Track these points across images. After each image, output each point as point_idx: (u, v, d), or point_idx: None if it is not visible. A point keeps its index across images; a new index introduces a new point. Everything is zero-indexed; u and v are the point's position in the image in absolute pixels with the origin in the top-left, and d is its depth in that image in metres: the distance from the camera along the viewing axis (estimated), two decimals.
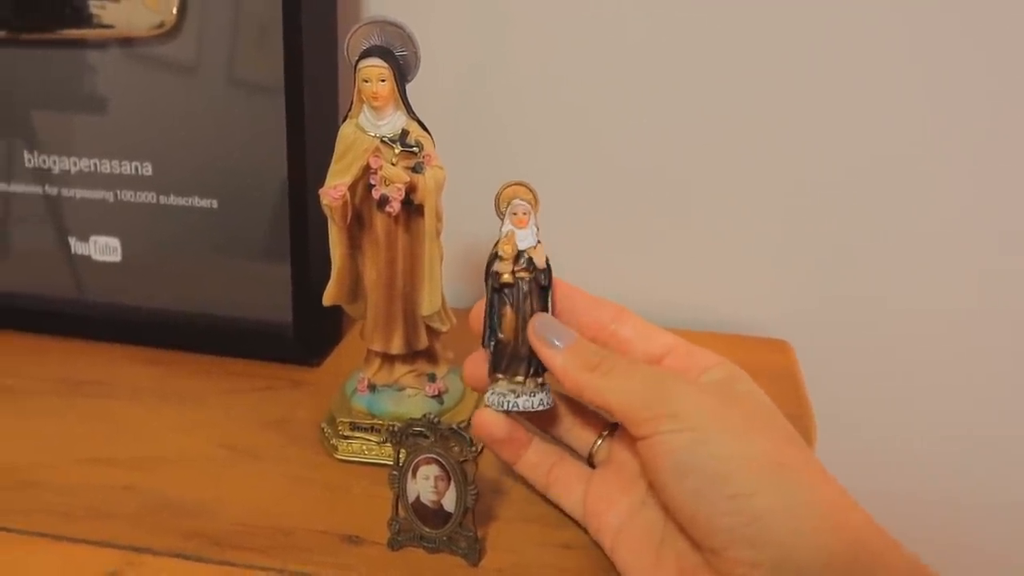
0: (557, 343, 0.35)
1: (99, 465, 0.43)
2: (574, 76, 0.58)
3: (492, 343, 0.37)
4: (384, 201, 0.39)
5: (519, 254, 0.36)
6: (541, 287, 0.37)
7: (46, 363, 0.54)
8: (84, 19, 0.52)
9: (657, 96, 0.57)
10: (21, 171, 0.56)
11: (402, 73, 0.38)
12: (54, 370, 0.53)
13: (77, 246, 0.56)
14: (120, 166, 0.54)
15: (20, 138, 0.55)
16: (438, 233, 0.40)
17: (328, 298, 0.42)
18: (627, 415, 0.33)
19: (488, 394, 0.37)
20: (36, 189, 0.56)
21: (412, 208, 0.40)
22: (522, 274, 0.36)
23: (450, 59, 0.58)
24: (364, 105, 0.38)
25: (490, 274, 0.37)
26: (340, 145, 0.39)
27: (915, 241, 0.57)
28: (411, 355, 0.43)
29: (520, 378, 0.37)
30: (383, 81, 0.37)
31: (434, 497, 0.36)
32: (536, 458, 0.39)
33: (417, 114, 0.39)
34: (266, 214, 0.52)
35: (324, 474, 0.42)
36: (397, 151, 0.38)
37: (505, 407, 0.36)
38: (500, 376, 0.37)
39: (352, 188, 0.39)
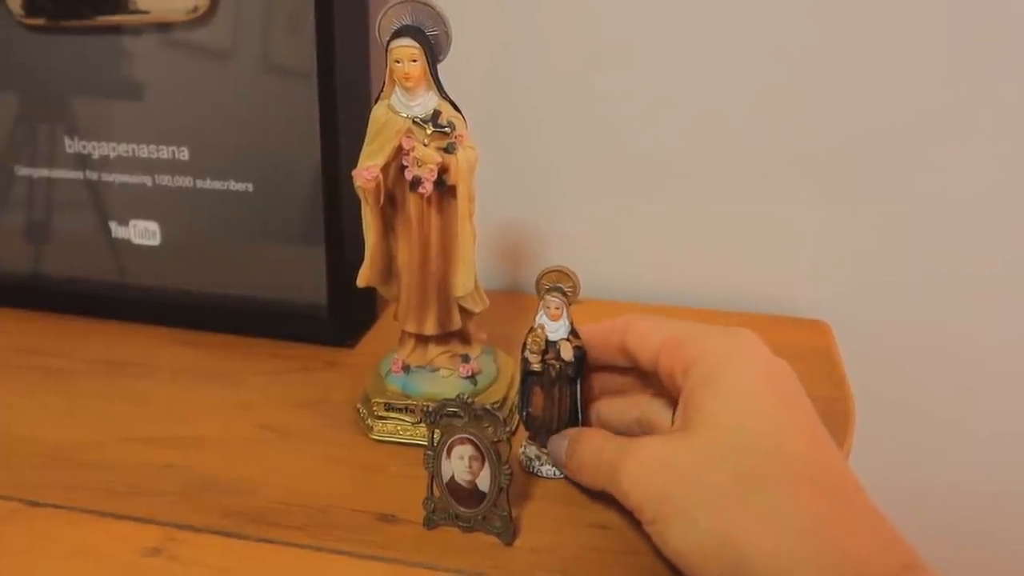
0: (560, 462, 0.39)
1: (141, 444, 0.43)
2: (606, 54, 0.57)
3: (524, 413, 0.41)
4: (417, 182, 0.39)
5: (548, 345, 0.39)
6: (569, 378, 0.39)
7: (89, 345, 0.55)
8: (120, 5, 0.52)
9: (695, 73, 0.56)
10: (62, 156, 0.57)
11: (434, 53, 0.38)
12: (96, 351, 0.54)
13: (117, 230, 0.57)
14: (158, 151, 0.54)
15: (60, 124, 0.56)
16: (471, 214, 0.40)
17: (362, 280, 0.42)
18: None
19: (520, 451, 0.41)
20: (77, 174, 0.57)
21: (444, 189, 0.39)
22: (552, 362, 0.39)
23: (482, 38, 0.58)
24: (396, 86, 0.38)
25: (522, 358, 0.40)
26: (372, 126, 0.39)
27: (957, 218, 0.56)
28: (445, 336, 0.43)
29: (547, 449, 0.40)
30: (414, 61, 0.37)
31: (468, 477, 0.36)
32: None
33: (449, 94, 0.39)
34: (301, 197, 0.53)
35: (359, 454, 0.42)
36: (429, 132, 0.38)
37: (531, 470, 0.41)
38: (531, 441, 0.41)
39: (385, 169, 0.39)
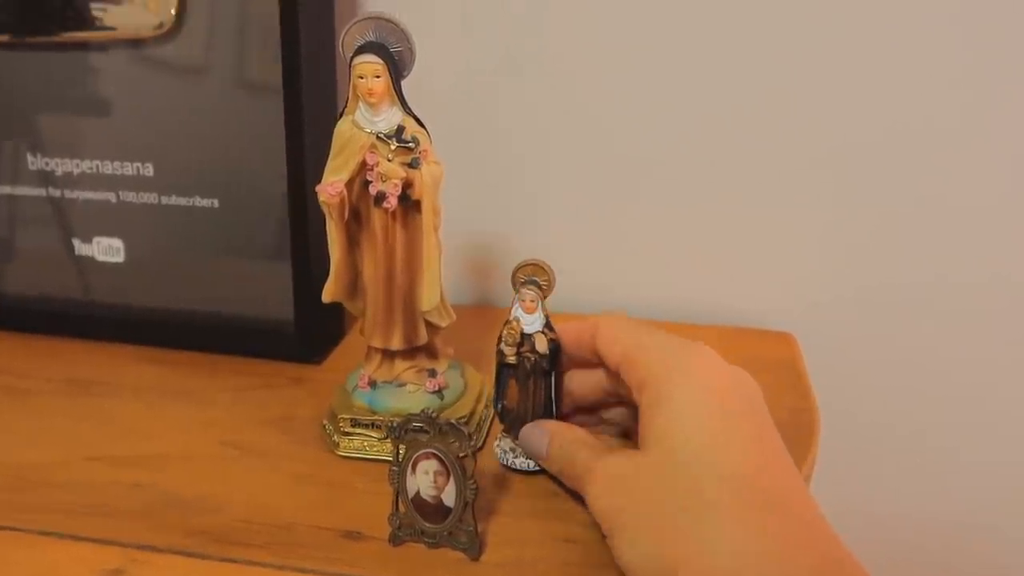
0: (540, 455, 0.40)
1: (104, 463, 0.43)
2: (573, 66, 0.57)
3: (499, 406, 0.42)
4: (381, 197, 0.39)
5: (523, 337, 0.40)
6: (544, 370, 0.40)
7: (51, 364, 0.54)
8: (86, 22, 0.52)
9: (658, 85, 0.57)
10: (25, 173, 0.56)
11: (397, 69, 0.38)
12: (59, 370, 0.53)
13: (81, 247, 0.56)
14: (122, 167, 0.54)
15: (23, 140, 0.56)
16: (436, 228, 0.40)
17: (327, 295, 0.42)
18: None
19: (495, 445, 0.42)
20: (40, 191, 0.56)
21: (409, 204, 0.40)
22: (527, 355, 0.40)
23: (446, 54, 0.58)
24: (360, 101, 0.39)
25: (498, 350, 0.40)
26: (336, 142, 0.39)
27: (925, 230, 0.57)
28: (411, 351, 0.43)
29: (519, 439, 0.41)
30: (378, 77, 0.38)
31: (434, 492, 0.36)
32: None
33: (413, 110, 0.39)
34: (267, 213, 0.52)
35: (325, 471, 0.42)
36: (393, 147, 0.38)
37: (506, 463, 0.41)
38: (506, 434, 0.42)
39: (349, 185, 0.39)
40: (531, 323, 0.40)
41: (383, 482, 0.37)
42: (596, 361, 0.39)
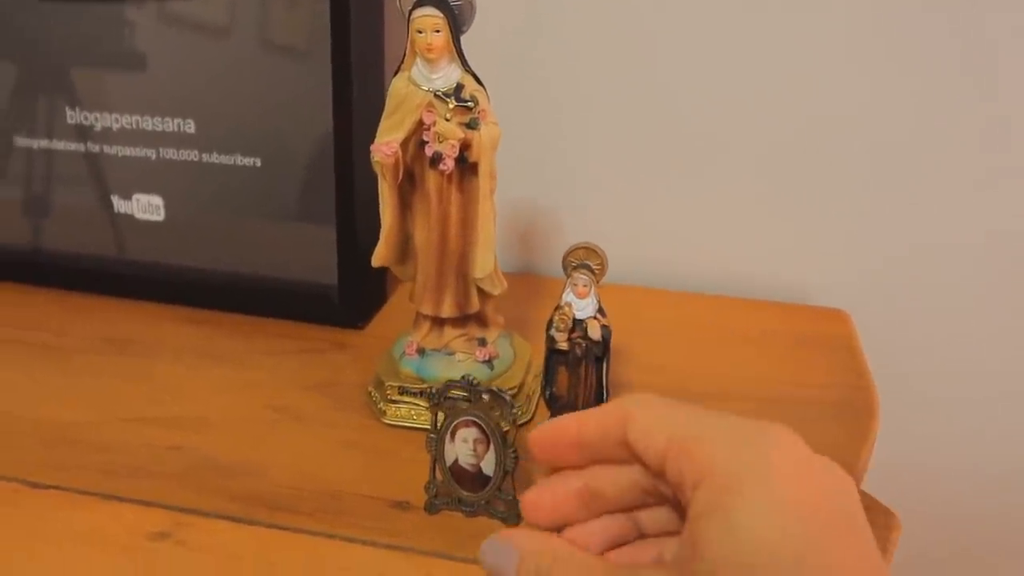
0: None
1: (144, 424, 0.42)
2: (633, 34, 0.56)
3: (548, 393, 0.40)
4: (437, 158, 0.37)
5: (575, 323, 0.38)
6: (596, 357, 0.38)
7: (89, 321, 0.53)
8: None
9: (712, 61, 0.55)
10: (63, 128, 0.55)
11: (457, 23, 0.36)
12: (97, 328, 0.52)
13: (120, 204, 0.55)
14: (163, 123, 0.53)
15: (61, 95, 0.55)
16: (492, 192, 0.39)
17: (377, 259, 0.41)
18: None
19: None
20: (78, 146, 0.55)
21: (466, 166, 0.38)
22: (579, 341, 0.38)
23: (504, 9, 0.56)
24: (417, 57, 0.37)
25: (548, 336, 0.39)
26: (391, 100, 0.38)
27: (983, 204, 0.55)
28: (461, 319, 0.42)
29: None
30: (437, 32, 0.36)
31: (473, 460, 0.35)
32: None
33: (472, 67, 0.37)
34: (310, 173, 0.51)
35: (372, 438, 0.41)
36: (451, 106, 0.37)
37: None
38: None
39: (404, 145, 0.38)
40: (583, 308, 0.38)
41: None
42: (625, 458, 0.28)
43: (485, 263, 0.39)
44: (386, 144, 0.37)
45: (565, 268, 0.38)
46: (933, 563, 0.63)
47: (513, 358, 0.44)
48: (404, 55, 0.37)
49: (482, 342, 0.43)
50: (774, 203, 0.58)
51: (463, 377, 0.34)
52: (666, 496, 0.28)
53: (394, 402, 0.42)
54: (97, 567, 0.33)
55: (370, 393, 0.43)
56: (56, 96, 0.55)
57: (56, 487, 0.37)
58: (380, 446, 0.41)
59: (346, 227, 0.50)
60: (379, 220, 0.40)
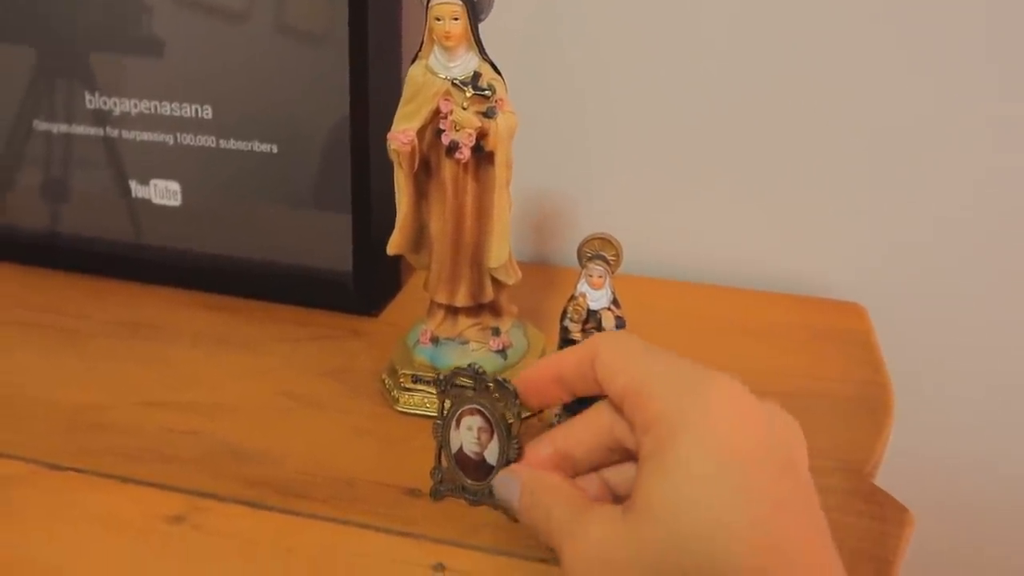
0: (513, 507, 0.32)
1: (161, 409, 0.43)
2: (653, 19, 0.55)
3: None
4: (454, 147, 0.37)
5: (589, 314, 0.38)
6: None
7: (106, 305, 0.54)
8: None
9: (730, 51, 0.55)
10: (81, 112, 0.55)
11: (475, 11, 0.36)
12: (114, 312, 0.53)
13: (138, 189, 0.56)
14: (180, 108, 0.53)
15: (80, 79, 0.55)
16: (508, 182, 0.39)
17: (392, 247, 0.41)
18: None
19: (554, 415, 0.40)
20: (96, 131, 0.55)
21: (482, 155, 0.38)
22: (592, 331, 0.38)
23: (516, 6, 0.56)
24: (435, 45, 0.37)
25: (562, 327, 0.39)
26: (409, 87, 0.38)
27: (996, 199, 0.54)
28: (475, 308, 0.42)
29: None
30: (456, 19, 0.36)
31: (477, 449, 0.34)
32: None
33: (489, 55, 0.37)
34: (326, 161, 0.51)
35: (385, 426, 0.41)
36: (468, 94, 0.37)
37: None
38: (566, 411, 0.39)
39: (420, 133, 0.38)
40: (598, 299, 0.38)
41: None
42: (601, 392, 0.31)
43: (500, 253, 0.39)
44: (403, 132, 0.37)
45: (580, 258, 0.38)
46: (947, 560, 0.63)
47: (527, 348, 0.44)
48: (422, 43, 0.37)
49: (496, 331, 0.43)
50: (791, 195, 0.57)
51: (470, 365, 0.34)
52: (630, 452, 0.30)
53: (407, 390, 0.42)
54: (114, 549, 0.33)
55: (384, 381, 0.44)
56: (75, 81, 0.55)
57: (74, 469, 0.37)
58: (393, 434, 0.41)
59: (361, 215, 0.50)
60: (394, 208, 0.40)
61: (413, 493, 0.37)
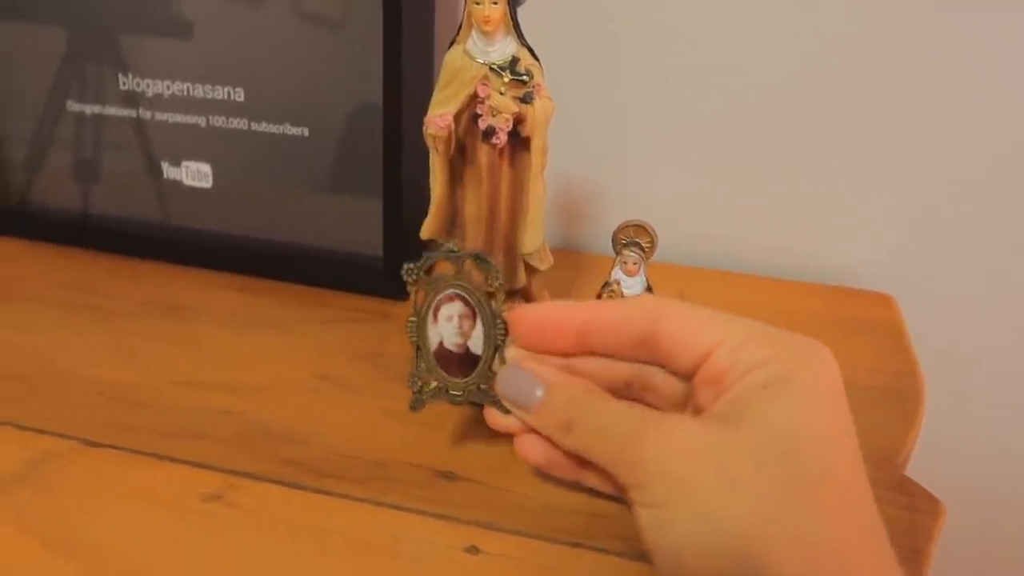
0: (527, 404, 0.31)
1: (195, 388, 0.43)
2: (687, 8, 0.55)
3: None
4: (490, 132, 0.37)
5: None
6: None
7: (138, 286, 0.54)
8: None
9: (760, 39, 0.55)
10: (114, 93, 0.56)
11: None
12: (146, 293, 0.53)
13: (169, 171, 0.56)
14: (212, 91, 0.53)
15: (112, 61, 0.55)
16: (543, 168, 0.39)
17: (426, 231, 0.41)
18: (611, 479, 0.30)
19: None
20: (129, 112, 0.56)
21: (518, 141, 0.38)
22: None
23: None
24: (473, 30, 0.37)
25: None
26: (446, 72, 0.38)
27: None
28: (508, 293, 0.42)
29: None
30: (495, 3, 0.36)
31: (459, 340, 0.33)
32: None
33: (527, 40, 0.37)
34: (357, 145, 0.51)
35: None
36: (506, 80, 0.37)
37: None
38: None
39: (457, 118, 0.38)
40: (632, 286, 0.38)
41: (474, 423, 0.37)
42: (627, 354, 0.32)
43: (534, 239, 0.40)
44: (440, 116, 0.37)
45: (615, 245, 0.38)
46: (979, 552, 0.63)
47: None
48: (460, 27, 0.37)
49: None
50: (822, 185, 0.57)
51: (444, 245, 0.33)
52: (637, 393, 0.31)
53: None
54: (150, 525, 0.34)
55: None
56: (107, 63, 0.55)
57: (112, 446, 0.38)
58: (423, 417, 0.41)
59: (392, 199, 0.50)
60: (425, 192, 0.40)
61: (446, 476, 0.37)
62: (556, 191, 0.60)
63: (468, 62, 0.37)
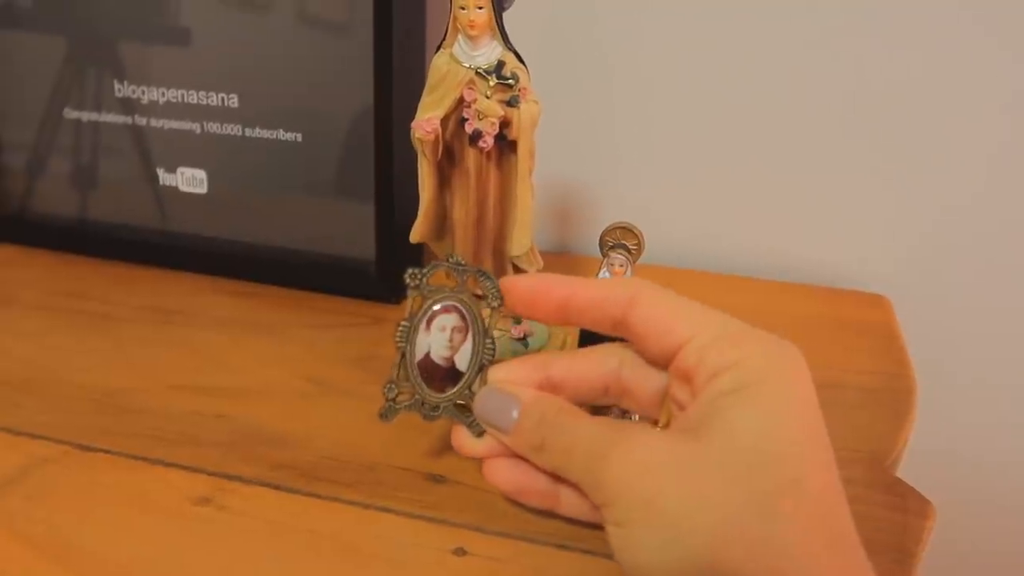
0: (504, 425, 0.32)
1: (189, 393, 0.43)
2: (676, 8, 0.55)
3: None
4: (477, 136, 0.37)
5: None
6: None
7: (133, 291, 0.55)
8: None
9: (754, 40, 0.55)
10: (110, 100, 0.56)
11: (500, 1, 0.36)
12: (141, 298, 0.54)
13: (165, 177, 0.56)
14: (207, 97, 0.53)
15: (109, 68, 0.56)
16: (530, 171, 0.39)
17: (415, 235, 0.41)
18: (588, 500, 0.30)
19: None
20: (125, 119, 0.56)
21: (505, 144, 0.38)
22: None
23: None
24: (459, 34, 0.37)
25: None
26: (432, 76, 0.38)
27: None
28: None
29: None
30: (480, 8, 0.36)
31: (447, 353, 0.32)
32: None
33: (513, 45, 0.37)
34: (350, 150, 0.51)
35: (407, 412, 0.42)
36: (492, 83, 0.37)
37: None
38: None
39: (444, 122, 0.38)
40: None
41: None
42: (606, 329, 0.32)
43: (522, 242, 0.40)
44: (427, 121, 0.37)
45: (601, 247, 0.38)
46: (969, 553, 0.63)
47: (548, 336, 0.44)
48: (446, 32, 0.38)
49: (517, 319, 0.43)
50: (815, 186, 0.57)
51: (448, 256, 0.33)
52: (625, 393, 0.31)
53: None
54: (143, 529, 0.34)
55: None
56: (104, 70, 0.56)
57: (105, 450, 0.38)
58: (414, 420, 0.40)
59: (385, 203, 0.50)
60: (417, 197, 0.40)
61: (435, 478, 0.37)
62: (546, 194, 0.60)
63: (454, 66, 0.37)
